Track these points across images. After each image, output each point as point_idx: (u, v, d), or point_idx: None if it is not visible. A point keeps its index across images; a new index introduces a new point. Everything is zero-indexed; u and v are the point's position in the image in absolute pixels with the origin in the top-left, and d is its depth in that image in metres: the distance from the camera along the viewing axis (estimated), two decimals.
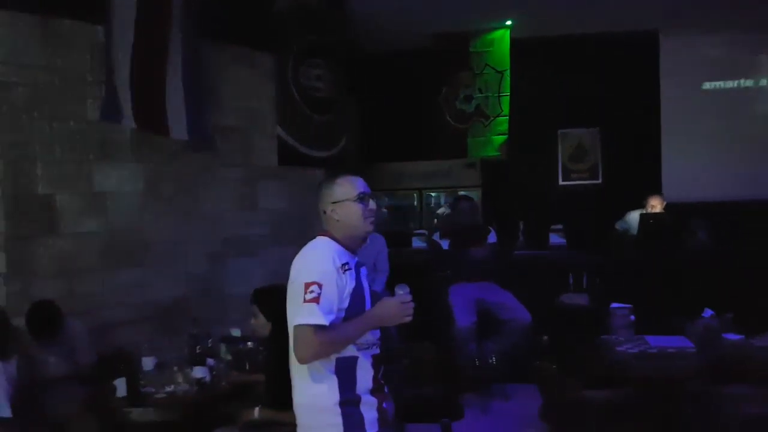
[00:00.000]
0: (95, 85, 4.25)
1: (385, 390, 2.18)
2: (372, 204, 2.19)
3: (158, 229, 4.75)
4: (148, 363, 3.52)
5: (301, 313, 1.97)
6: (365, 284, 2.17)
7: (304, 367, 2.04)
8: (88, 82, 4.27)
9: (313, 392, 2.06)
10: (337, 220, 2.16)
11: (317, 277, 1.99)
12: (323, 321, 1.95)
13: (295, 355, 2.01)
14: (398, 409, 3.69)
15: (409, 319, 2.07)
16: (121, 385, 3.20)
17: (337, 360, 2.04)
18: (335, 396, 2.04)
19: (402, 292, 2.10)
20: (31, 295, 3.87)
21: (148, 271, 4.67)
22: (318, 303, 1.95)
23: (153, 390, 3.27)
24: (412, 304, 2.09)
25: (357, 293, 2.08)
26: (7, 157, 3.92)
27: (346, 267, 2.08)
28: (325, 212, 2.18)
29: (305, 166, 6.03)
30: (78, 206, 4.24)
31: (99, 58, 4.25)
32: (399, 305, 2.08)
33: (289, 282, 2.08)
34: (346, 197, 2.17)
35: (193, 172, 5.00)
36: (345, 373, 2.05)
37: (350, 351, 2.06)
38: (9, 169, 3.93)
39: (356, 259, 2.19)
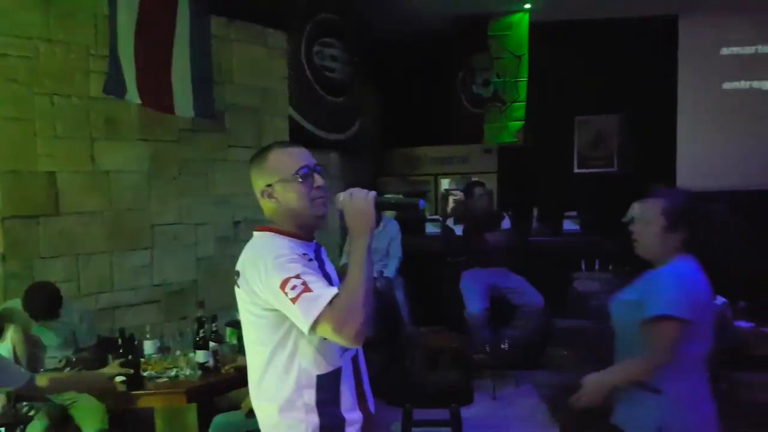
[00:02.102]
0: (99, 60, 4.12)
1: (369, 397, 1.85)
2: (319, 180, 1.76)
3: (166, 211, 4.65)
4: (150, 347, 3.42)
5: (301, 313, 1.58)
6: (332, 273, 1.83)
7: (276, 389, 1.70)
8: (92, 56, 4.14)
9: (286, 422, 1.70)
10: (278, 206, 1.76)
11: (286, 271, 1.61)
12: (329, 294, 1.58)
13: (348, 344, 1.63)
14: (408, 394, 3.64)
15: (372, 194, 1.69)
16: None
17: (319, 378, 1.70)
18: (314, 424, 1.69)
19: (342, 195, 1.71)
20: (31, 276, 3.78)
21: (155, 253, 4.58)
22: (311, 291, 1.58)
23: (155, 374, 3.16)
24: (361, 189, 1.71)
25: None
26: (6, 133, 3.79)
27: (307, 258, 1.70)
28: (261, 197, 1.78)
29: (318, 149, 5.89)
30: (81, 185, 4.13)
31: (103, 31, 4.12)
32: (356, 197, 1.69)
33: (248, 306, 1.71)
34: (283, 175, 1.74)
35: (202, 152, 4.89)
36: (327, 392, 1.71)
37: (334, 361, 1.72)
38: (8, 145, 3.80)
39: (314, 244, 1.82)
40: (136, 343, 3.17)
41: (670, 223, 2.19)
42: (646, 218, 2.23)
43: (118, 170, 4.35)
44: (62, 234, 4.02)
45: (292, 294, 1.58)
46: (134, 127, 4.41)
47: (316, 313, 1.56)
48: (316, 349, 1.69)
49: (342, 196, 1.71)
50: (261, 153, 1.81)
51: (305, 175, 1.74)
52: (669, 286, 2.10)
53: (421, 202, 1.73)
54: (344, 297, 1.58)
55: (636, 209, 2.28)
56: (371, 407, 1.85)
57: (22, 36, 3.85)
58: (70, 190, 4.07)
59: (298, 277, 1.59)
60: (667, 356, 2.06)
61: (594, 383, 2.14)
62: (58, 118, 3.99)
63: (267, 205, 1.78)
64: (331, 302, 1.57)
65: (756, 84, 7.59)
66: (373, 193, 1.71)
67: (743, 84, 7.61)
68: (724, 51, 7.59)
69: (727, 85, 7.63)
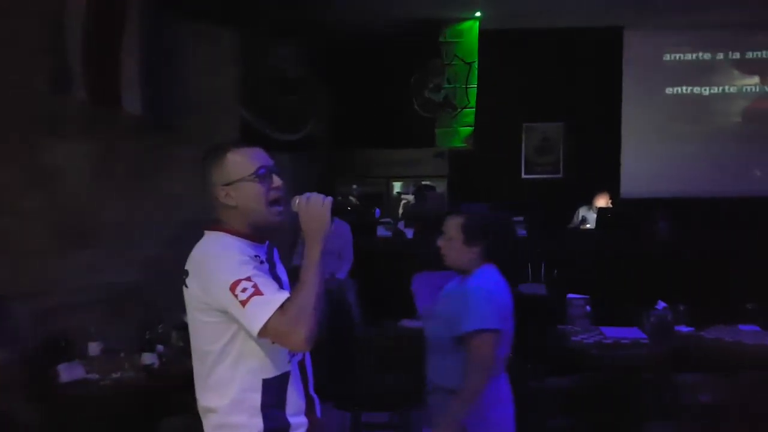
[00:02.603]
0: (43, 54, 4.01)
1: (316, 403, 1.84)
2: (277, 181, 1.76)
3: (110, 210, 4.53)
4: (94, 348, 3.36)
5: (250, 316, 1.56)
6: (283, 276, 1.83)
7: (220, 391, 1.68)
8: (36, 50, 4.02)
9: (230, 424, 1.69)
10: (233, 207, 1.73)
11: (236, 273, 1.59)
12: (281, 298, 1.57)
13: (297, 350, 1.66)
14: (358, 397, 3.66)
15: (329, 200, 1.70)
16: (64, 371, 3.01)
17: (265, 382, 1.68)
18: (258, 428, 1.67)
19: (299, 198, 1.72)
20: None
21: (99, 253, 4.45)
22: (261, 294, 1.56)
23: (98, 376, 3.10)
24: (319, 194, 1.73)
25: None
26: None
27: (259, 260, 1.70)
28: (216, 198, 1.75)
29: (270, 149, 5.86)
30: (22, 182, 4.00)
31: (49, 25, 4.01)
32: (313, 202, 1.70)
33: (196, 306, 1.68)
34: (240, 176, 1.72)
35: (148, 150, 4.79)
36: (272, 396, 1.69)
37: (281, 366, 1.71)
38: None
39: (266, 246, 1.81)
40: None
41: (468, 237, 2.39)
42: (448, 233, 2.43)
43: (62, 168, 4.23)
44: (2, 233, 3.89)
45: (242, 296, 1.56)
46: (78, 123, 4.30)
47: (265, 317, 1.55)
48: (263, 352, 1.67)
49: (298, 200, 1.72)
50: (217, 152, 1.77)
51: (263, 175, 1.73)
52: (480, 300, 2.30)
53: (377, 211, 1.77)
54: (295, 302, 1.58)
55: (444, 225, 2.47)
56: (318, 412, 1.84)
57: None
58: (11, 187, 3.93)
59: (248, 279, 1.58)
60: (492, 365, 2.28)
61: (448, 423, 2.22)
62: None
63: (221, 205, 1.75)
64: (281, 306, 1.56)
65: (696, 91, 7.92)
66: (329, 199, 1.72)
67: (685, 91, 7.94)
68: (667, 59, 7.89)
69: (669, 92, 7.95)
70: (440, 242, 2.44)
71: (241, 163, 1.74)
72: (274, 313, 1.55)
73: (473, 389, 2.24)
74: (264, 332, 1.57)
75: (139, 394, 3.04)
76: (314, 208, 1.69)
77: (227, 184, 1.73)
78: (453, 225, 2.43)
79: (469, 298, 2.31)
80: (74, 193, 4.30)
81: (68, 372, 3.04)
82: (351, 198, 6.68)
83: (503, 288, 2.41)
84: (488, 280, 2.38)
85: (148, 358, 3.16)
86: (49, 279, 4.13)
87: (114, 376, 3.13)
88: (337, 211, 1.72)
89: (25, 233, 4.00)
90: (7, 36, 3.89)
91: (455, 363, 2.27)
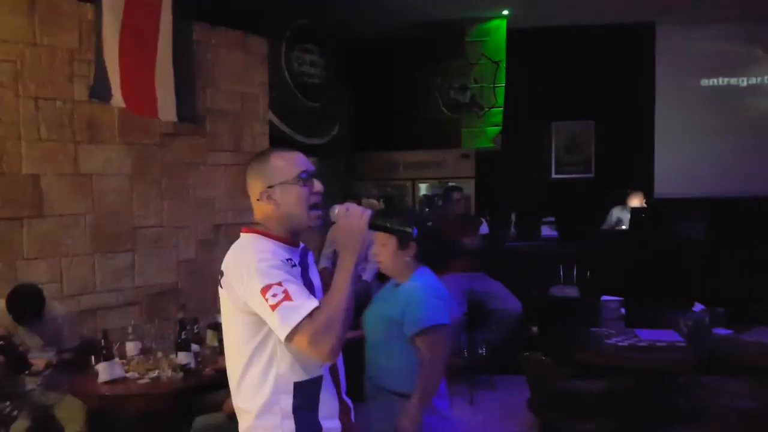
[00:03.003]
0: (82, 64, 4.17)
1: (350, 407, 1.85)
2: (318, 185, 1.77)
3: (147, 214, 4.69)
4: (132, 348, 3.47)
5: (279, 321, 1.57)
6: (315, 280, 1.83)
7: (253, 392, 1.70)
8: (76, 60, 4.18)
9: (262, 426, 1.70)
10: (274, 209, 1.74)
11: (268, 278, 1.60)
12: (310, 305, 1.57)
13: (321, 360, 1.64)
14: None
15: (368, 214, 1.70)
16: (103, 370, 3.13)
17: (296, 385, 1.69)
18: (289, 430, 1.69)
19: (338, 208, 1.73)
20: (14, 277, 3.81)
21: (137, 255, 4.62)
22: (291, 300, 1.57)
23: (136, 375, 3.22)
24: (358, 206, 1.74)
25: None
26: None
27: (292, 263, 1.70)
28: (258, 200, 1.76)
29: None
30: (64, 188, 4.16)
31: (87, 36, 4.17)
32: (352, 213, 1.70)
33: (230, 307, 1.71)
34: (283, 179, 1.74)
35: (182, 155, 4.94)
36: (305, 398, 1.70)
37: (313, 370, 1.71)
38: None
39: (300, 249, 1.81)
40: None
41: (400, 243, 2.40)
42: (380, 240, 2.43)
43: (101, 173, 4.39)
44: (46, 236, 4.06)
45: (272, 301, 1.56)
46: (117, 131, 4.46)
47: (294, 323, 1.55)
48: (295, 355, 1.67)
49: (338, 209, 1.72)
50: (261, 155, 1.81)
51: (306, 179, 1.74)
52: (424, 298, 2.35)
53: (414, 230, 1.76)
54: (324, 311, 1.57)
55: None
56: (352, 416, 1.85)
57: (8, 40, 3.89)
58: (54, 192, 4.10)
59: (280, 284, 1.58)
60: (445, 359, 2.33)
61: (409, 422, 2.24)
62: (42, 121, 4.03)
63: (262, 208, 1.76)
64: (310, 314, 1.57)
65: (733, 82, 7.67)
66: (368, 212, 1.71)
67: (721, 82, 7.70)
68: (700, 53, 7.67)
69: (704, 85, 7.72)
70: (374, 249, 2.44)
71: (285, 166, 1.75)
72: (302, 321, 1.55)
73: (431, 385, 2.29)
74: (291, 338, 1.57)
75: (175, 393, 3.13)
76: (352, 221, 1.69)
77: (270, 187, 1.74)
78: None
79: (416, 297, 2.34)
80: (112, 197, 4.45)
81: (107, 371, 3.15)
82: (373, 201, 6.72)
83: (441, 286, 2.44)
84: (428, 279, 2.42)
85: (184, 358, 3.24)
86: (88, 281, 4.29)
87: (151, 375, 3.23)
88: (374, 228, 1.72)
89: (66, 236, 4.17)
90: (48, 46, 4.06)
91: (399, 365, 2.32)
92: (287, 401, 1.69)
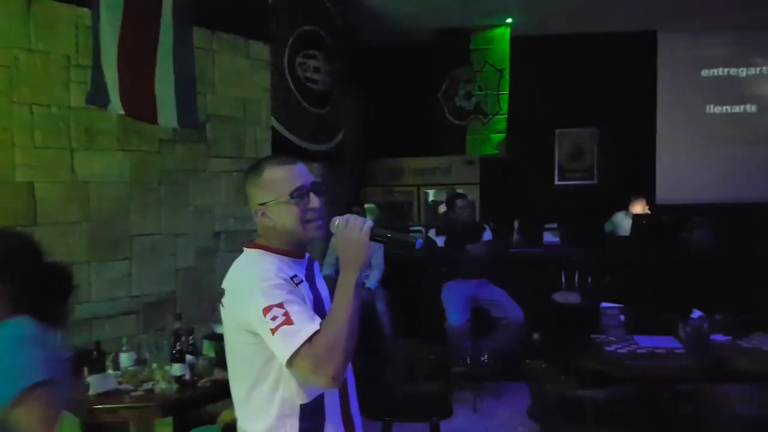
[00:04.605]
0: (79, 70, 4.11)
1: (356, 422, 1.79)
2: (314, 201, 1.69)
3: (145, 221, 4.63)
4: (126, 359, 3.39)
5: (279, 346, 1.52)
6: (323, 291, 1.78)
7: (258, 415, 1.65)
8: (72, 66, 4.13)
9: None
10: (271, 226, 1.69)
11: (270, 298, 1.55)
12: (310, 330, 1.52)
13: (323, 387, 1.60)
14: (387, 407, 3.65)
15: (369, 225, 1.63)
16: (94, 383, 3.05)
17: (302, 407, 1.64)
18: None
19: (339, 220, 1.65)
20: None
21: (134, 264, 4.55)
22: (291, 324, 1.51)
23: (130, 387, 3.13)
24: (358, 217, 1.66)
25: (318, 307, 1.67)
26: None
27: (296, 280, 1.65)
28: (254, 214, 1.72)
29: (301, 160, 5.88)
30: (59, 195, 4.10)
31: (84, 42, 4.11)
32: (352, 226, 1.63)
33: (233, 327, 1.66)
34: (276, 197, 1.67)
35: (182, 162, 4.87)
36: (310, 420, 1.66)
37: (318, 391, 1.66)
38: None
39: (305, 262, 1.76)
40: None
41: None
42: None
43: (98, 180, 4.32)
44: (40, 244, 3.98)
45: (272, 324, 1.52)
46: (114, 137, 4.40)
47: (293, 348, 1.50)
48: (299, 379, 1.62)
49: (338, 221, 1.66)
50: (256, 169, 1.73)
51: (300, 196, 1.67)
52: (11, 351, 1.64)
53: (418, 242, 1.67)
54: (325, 335, 1.52)
55: None
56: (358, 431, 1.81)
57: (2, 45, 3.83)
58: (49, 200, 4.03)
59: (281, 306, 1.53)
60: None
61: None
62: (37, 127, 3.97)
63: (260, 223, 1.73)
64: (310, 339, 1.51)
65: (733, 100, 7.73)
66: (369, 224, 1.65)
67: (722, 95, 7.73)
68: (704, 68, 7.74)
69: (706, 99, 7.76)
70: None
71: (277, 183, 1.68)
72: (302, 346, 1.50)
73: None
74: (291, 364, 1.53)
75: (170, 405, 3.04)
76: (353, 234, 1.63)
77: (264, 203, 1.69)
78: None
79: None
80: (109, 205, 4.39)
81: (99, 383, 3.06)
82: (372, 205, 6.68)
83: (39, 331, 1.70)
84: (15, 329, 1.68)
85: (179, 369, 3.17)
86: (83, 289, 4.22)
87: (145, 386, 3.15)
88: (376, 239, 1.64)
89: (61, 244, 4.10)
90: (43, 51, 4.00)
91: None
92: (293, 424, 1.64)
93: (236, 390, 1.72)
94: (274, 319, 1.52)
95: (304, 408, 1.64)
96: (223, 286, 1.69)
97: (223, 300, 1.68)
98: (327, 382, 1.53)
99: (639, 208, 6.60)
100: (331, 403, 1.70)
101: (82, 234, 4.23)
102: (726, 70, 7.73)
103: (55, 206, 4.08)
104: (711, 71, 7.76)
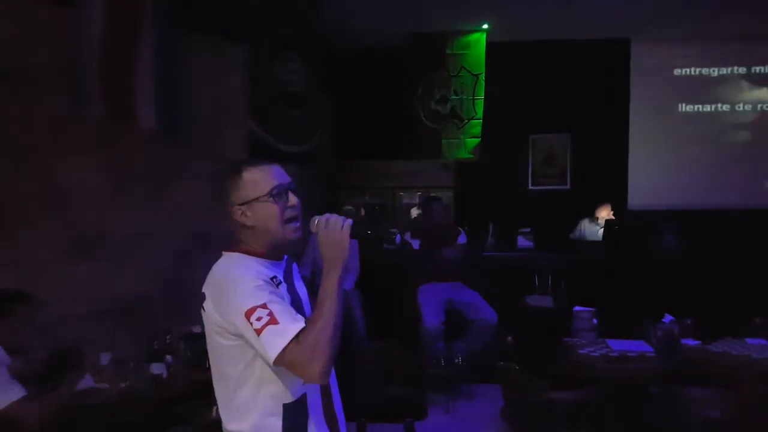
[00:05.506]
0: (58, 72, 4.09)
1: (340, 422, 1.82)
2: (293, 199, 1.73)
3: (122, 222, 4.61)
4: (103, 359, 3.40)
5: (266, 345, 1.54)
6: (302, 293, 1.80)
7: (241, 416, 1.67)
8: (52, 68, 4.11)
9: None
10: (251, 226, 1.71)
11: (253, 299, 1.56)
12: (296, 328, 1.54)
13: (311, 382, 1.61)
14: (362, 408, 3.68)
15: (349, 224, 1.66)
16: (72, 381, 3.06)
17: (285, 407, 1.66)
18: None
19: (319, 219, 1.69)
20: None
21: (110, 265, 4.53)
22: (276, 323, 1.54)
23: (107, 386, 3.15)
24: (338, 216, 1.68)
25: (296, 309, 1.65)
26: None
27: (276, 281, 1.67)
28: (233, 217, 1.73)
29: (277, 161, 5.91)
30: (34, 195, 4.08)
31: (64, 43, 4.10)
32: (333, 224, 1.66)
33: (215, 330, 1.66)
34: (255, 196, 1.70)
35: (159, 163, 4.87)
36: (294, 419, 1.68)
37: (301, 390, 1.69)
38: None
39: (284, 264, 1.78)
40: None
41: None
42: None
43: (75, 180, 4.31)
44: (16, 244, 3.96)
45: (257, 325, 1.54)
46: (91, 138, 4.38)
47: (280, 347, 1.53)
48: (283, 377, 1.65)
49: (317, 220, 1.69)
50: (234, 171, 1.75)
51: (278, 194, 1.71)
52: None
53: (398, 237, 1.74)
54: (311, 332, 1.55)
55: None
56: (342, 430, 1.83)
57: None
58: (24, 199, 4.01)
59: (264, 306, 1.55)
60: None
61: None
62: (14, 128, 3.95)
63: (239, 224, 1.74)
64: (297, 337, 1.54)
65: (704, 105, 7.90)
66: (349, 222, 1.67)
67: (693, 104, 7.92)
68: (676, 72, 7.89)
69: (677, 106, 7.94)
70: None
71: (257, 182, 1.71)
72: (289, 344, 1.53)
73: None
74: (279, 362, 1.55)
75: (147, 404, 3.07)
76: (333, 232, 1.66)
77: (243, 204, 1.71)
78: None
79: None
80: (85, 205, 4.37)
81: (78, 382, 3.07)
82: (351, 208, 6.72)
83: None
84: None
85: (156, 368, 3.19)
86: (59, 289, 4.19)
87: (122, 385, 3.16)
88: (357, 236, 1.67)
89: (36, 244, 4.08)
90: (25, 54, 3.98)
91: None
92: (276, 424, 1.66)
93: (220, 391, 1.74)
94: (259, 319, 1.54)
95: (287, 407, 1.67)
96: (203, 290, 1.70)
97: (204, 304, 1.69)
98: (315, 377, 1.56)
99: (604, 213, 6.74)
100: (314, 402, 1.72)
101: (58, 233, 4.21)
102: (698, 78, 7.90)
103: (31, 205, 4.05)
104: (683, 78, 7.92)
